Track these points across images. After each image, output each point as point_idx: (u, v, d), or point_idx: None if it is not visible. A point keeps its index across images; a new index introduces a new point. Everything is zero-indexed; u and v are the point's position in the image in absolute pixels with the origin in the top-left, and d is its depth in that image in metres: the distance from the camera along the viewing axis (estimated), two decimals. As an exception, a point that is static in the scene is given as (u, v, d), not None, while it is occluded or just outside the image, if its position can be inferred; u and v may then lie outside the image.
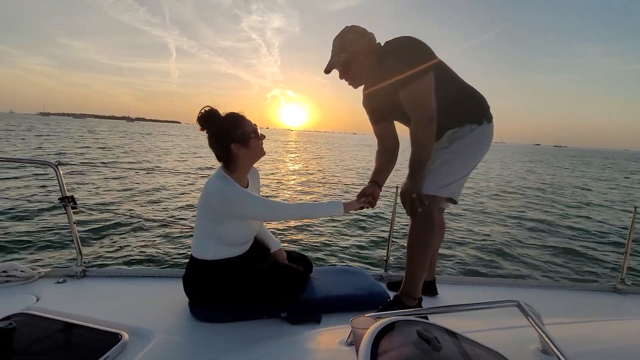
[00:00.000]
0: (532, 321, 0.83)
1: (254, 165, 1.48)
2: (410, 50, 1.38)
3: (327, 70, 1.48)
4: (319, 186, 11.09)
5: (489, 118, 1.48)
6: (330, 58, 1.46)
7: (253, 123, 1.38)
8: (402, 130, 1.71)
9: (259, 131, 1.39)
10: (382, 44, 1.47)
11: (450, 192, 1.46)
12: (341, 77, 1.51)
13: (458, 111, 1.47)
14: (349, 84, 1.53)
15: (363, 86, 1.61)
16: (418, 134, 1.38)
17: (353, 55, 1.43)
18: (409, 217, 1.46)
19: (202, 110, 1.31)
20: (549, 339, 0.77)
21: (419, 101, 1.37)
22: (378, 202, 1.58)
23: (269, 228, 1.69)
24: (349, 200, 1.52)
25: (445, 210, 1.73)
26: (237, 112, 1.36)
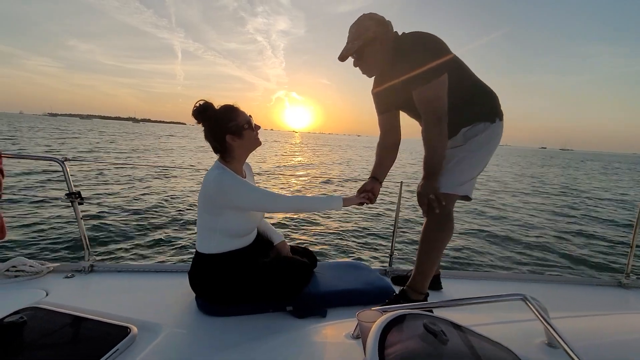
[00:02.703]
0: (538, 315, 0.83)
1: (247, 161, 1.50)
2: (426, 47, 1.35)
3: (341, 58, 1.45)
4: (325, 182, 11.07)
5: (500, 116, 1.48)
6: (345, 45, 1.43)
7: (248, 114, 1.39)
8: (406, 134, 1.70)
9: (253, 122, 1.40)
10: (400, 34, 1.43)
11: (466, 189, 1.46)
12: (355, 64, 1.48)
13: (472, 108, 1.45)
14: (363, 72, 1.50)
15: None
16: (429, 135, 1.37)
17: (368, 43, 1.39)
18: (423, 216, 1.45)
19: (197, 104, 1.33)
20: (556, 332, 0.77)
21: (431, 102, 1.35)
22: (383, 196, 1.59)
23: (272, 224, 1.70)
24: (349, 196, 1.52)
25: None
26: (231, 103, 1.38)
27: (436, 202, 1.35)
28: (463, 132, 1.48)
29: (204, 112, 1.34)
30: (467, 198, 1.51)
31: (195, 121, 1.34)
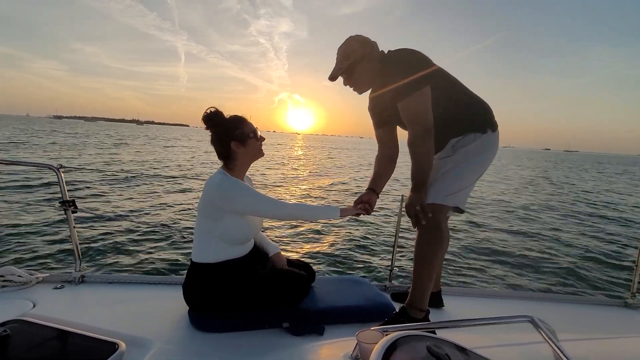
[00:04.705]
0: (546, 337, 0.80)
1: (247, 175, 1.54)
2: (407, 63, 1.40)
3: (332, 78, 1.51)
4: (326, 190, 11.00)
5: (493, 127, 1.47)
6: (334, 66, 1.50)
7: (255, 126, 1.45)
8: (404, 136, 1.69)
9: (260, 133, 1.46)
10: (386, 52, 1.49)
11: (457, 200, 1.44)
12: (345, 83, 1.54)
13: (461, 120, 1.46)
14: (354, 90, 1.55)
15: (370, 90, 1.62)
16: (415, 147, 1.38)
17: (355, 63, 1.45)
18: (413, 228, 1.44)
19: (207, 111, 1.40)
20: (566, 357, 0.74)
21: (415, 114, 1.38)
22: (383, 210, 1.57)
23: (269, 235, 1.68)
24: (346, 207, 1.53)
25: (453, 219, 1.70)
26: (239, 114, 1.44)
27: (423, 214, 1.35)
28: (452, 143, 1.48)
29: (213, 119, 1.40)
30: (458, 210, 1.50)
31: (200, 124, 1.40)
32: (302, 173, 17.40)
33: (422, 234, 1.42)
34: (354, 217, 1.57)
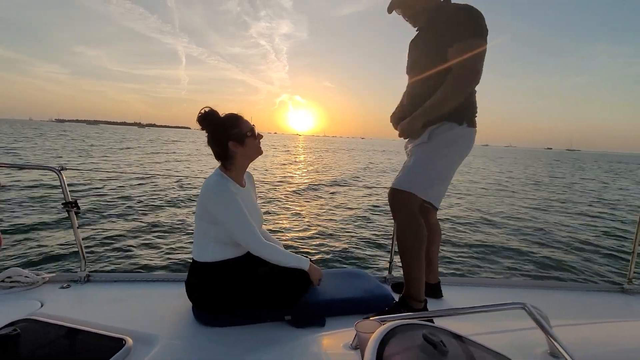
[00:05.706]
0: (538, 323, 0.82)
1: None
2: (480, 19, 1.34)
3: (390, 9, 1.52)
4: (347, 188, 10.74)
5: (470, 122, 1.45)
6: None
7: (251, 124, 1.42)
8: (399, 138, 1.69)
9: (257, 131, 1.43)
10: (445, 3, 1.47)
11: (427, 194, 1.43)
12: (404, 14, 1.53)
13: None
14: (409, 20, 1.54)
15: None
16: (453, 88, 1.33)
17: None
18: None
19: (202, 111, 1.37)
20: (557, 342, 0.76)
21: (475, 57, 1.30)
22: (382, 202, 1.57)
23: (269, 229, 1.68)
24: (315, 267, 1.48)
25: (450, 214, 1.72)
26: (235, 112, 1.41)
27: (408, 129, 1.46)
28: (430, 130, 1.45)
29: (208, 118, 1.37)
30: (431, 205, 1.48)
31: (200, 126, 1.38)
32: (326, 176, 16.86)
33: (400, 227, 1.44)
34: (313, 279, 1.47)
